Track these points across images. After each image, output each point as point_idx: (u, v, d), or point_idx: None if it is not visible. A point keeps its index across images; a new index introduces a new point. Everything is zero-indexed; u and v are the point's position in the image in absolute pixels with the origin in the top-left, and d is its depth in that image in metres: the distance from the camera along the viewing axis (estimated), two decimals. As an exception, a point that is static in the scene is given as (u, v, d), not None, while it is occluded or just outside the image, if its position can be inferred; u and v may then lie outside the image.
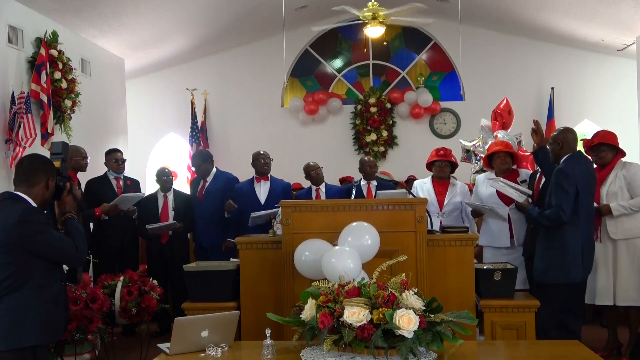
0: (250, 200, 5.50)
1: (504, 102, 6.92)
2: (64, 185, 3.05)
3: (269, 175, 5.64)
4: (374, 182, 5.66)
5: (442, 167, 5.26)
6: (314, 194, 5.82)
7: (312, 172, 5.85)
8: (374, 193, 5.58)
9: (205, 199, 5.71)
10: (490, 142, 6.47)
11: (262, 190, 5.57)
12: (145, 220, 5.70)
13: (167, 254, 5.77)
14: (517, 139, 6.50)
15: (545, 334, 4.24)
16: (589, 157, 4.53)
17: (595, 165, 4.79)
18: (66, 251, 2.89)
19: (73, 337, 3.92)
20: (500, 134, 6.39)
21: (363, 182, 5.75)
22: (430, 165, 5.38)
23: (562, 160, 4.28)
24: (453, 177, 5.52)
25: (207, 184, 5.76)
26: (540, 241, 4.32)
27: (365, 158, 5.90)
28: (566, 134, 4.36)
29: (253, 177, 5.66)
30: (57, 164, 3.07)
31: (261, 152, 5.67)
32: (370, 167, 5.72)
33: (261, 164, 5.59)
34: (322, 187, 5.88)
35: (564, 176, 4.13)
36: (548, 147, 4.48)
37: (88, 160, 5.64)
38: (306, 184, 6.56)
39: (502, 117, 6.70)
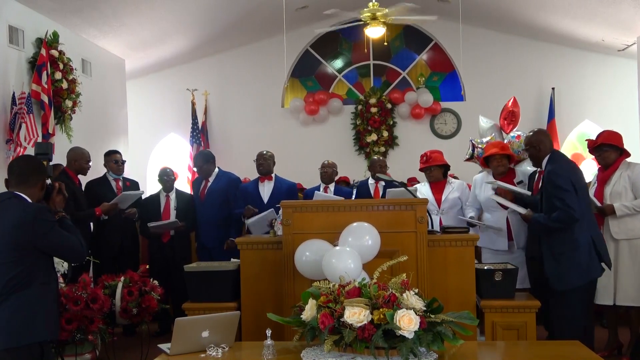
0: (254, 200, 5.50)
1: (512, 100, 6.84)
2: (52, 185, 3.09)
3: (272, 175, 5.62)
4: (382, 182, 5.67)
5: (429, 173, 5.27)
6: (321, 192, 5.85)
7: (322, 169, 5.96)
8: (381, 193, 5.64)
9: (207, 198, 5.71)
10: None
11: (266, 190, 5.57)
12: (148, 219, 5.71)
13: (169, 253, 5.77)
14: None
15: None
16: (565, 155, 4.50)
17: (598, 166, 4.80)
18: (75, 248, 2.96)
19: (73, 337, 3.93)
20: (521, 133, 6.30)
21: (371, 181, 5.86)
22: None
23: (545, 163, 4.26)
24: (452, 176, 5.51)
25: (209, 184, 5.76)
26: (548, 247, 4.14)
27: (375, 157, 6.15)
28: (539, 136, 4.35)
29: (258, 177, 5.67)
30: (44, 164, 3.15)
31: (263, 152, 5.67)
32: (381, 167, 5.85)
33: (257, 164, 5.61)
34: (331, 187, 5.94)
35: (556, 176, 4.08)
36: (526, 152, 4.48)
37: (91, 164, 5.65)
38: (307, 185, 6.58)
39: (514, 116, 6.63)
